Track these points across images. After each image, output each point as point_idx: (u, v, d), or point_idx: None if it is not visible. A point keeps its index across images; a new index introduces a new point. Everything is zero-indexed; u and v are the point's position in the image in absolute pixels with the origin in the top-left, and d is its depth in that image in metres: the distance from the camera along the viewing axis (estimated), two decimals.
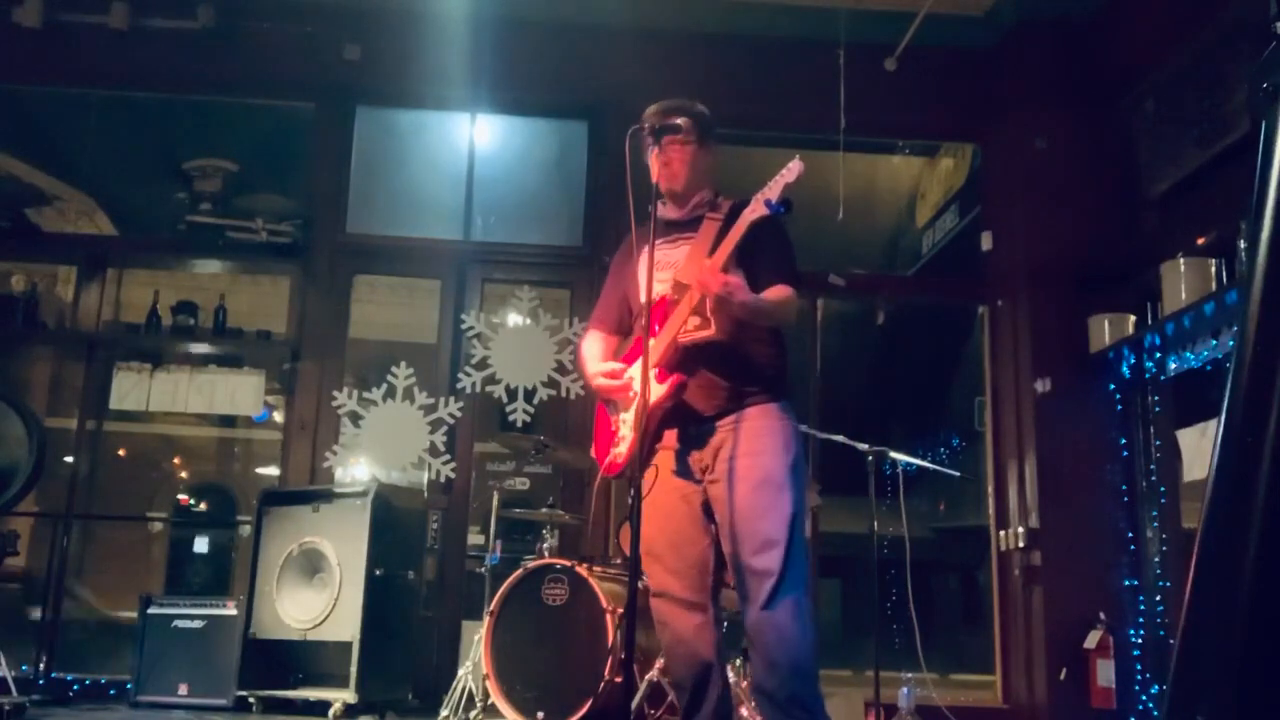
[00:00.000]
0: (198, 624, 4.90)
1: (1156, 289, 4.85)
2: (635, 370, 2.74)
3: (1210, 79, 4.79)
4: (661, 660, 3.89)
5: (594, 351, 2.95)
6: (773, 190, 2.55)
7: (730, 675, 3.29)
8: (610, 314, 3.01)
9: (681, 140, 2.80)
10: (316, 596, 4.65)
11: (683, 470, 2.73)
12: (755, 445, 2.64)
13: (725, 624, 2.96)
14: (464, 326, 5.83)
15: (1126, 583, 5.20)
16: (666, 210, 2.91)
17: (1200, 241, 4.75)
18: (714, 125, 2.90)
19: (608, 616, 3.87)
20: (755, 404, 2.69)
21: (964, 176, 6.64)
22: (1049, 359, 5.47)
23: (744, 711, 3.81)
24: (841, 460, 4.64)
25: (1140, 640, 5.09)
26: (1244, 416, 1.23)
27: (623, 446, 2.75)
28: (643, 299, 2.75)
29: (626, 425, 2.75)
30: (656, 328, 2.71)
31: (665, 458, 2.76)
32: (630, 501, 2.45)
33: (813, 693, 2.57)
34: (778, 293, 2.65)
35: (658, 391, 2.66)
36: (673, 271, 2.76)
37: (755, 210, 2.56)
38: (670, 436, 2.75)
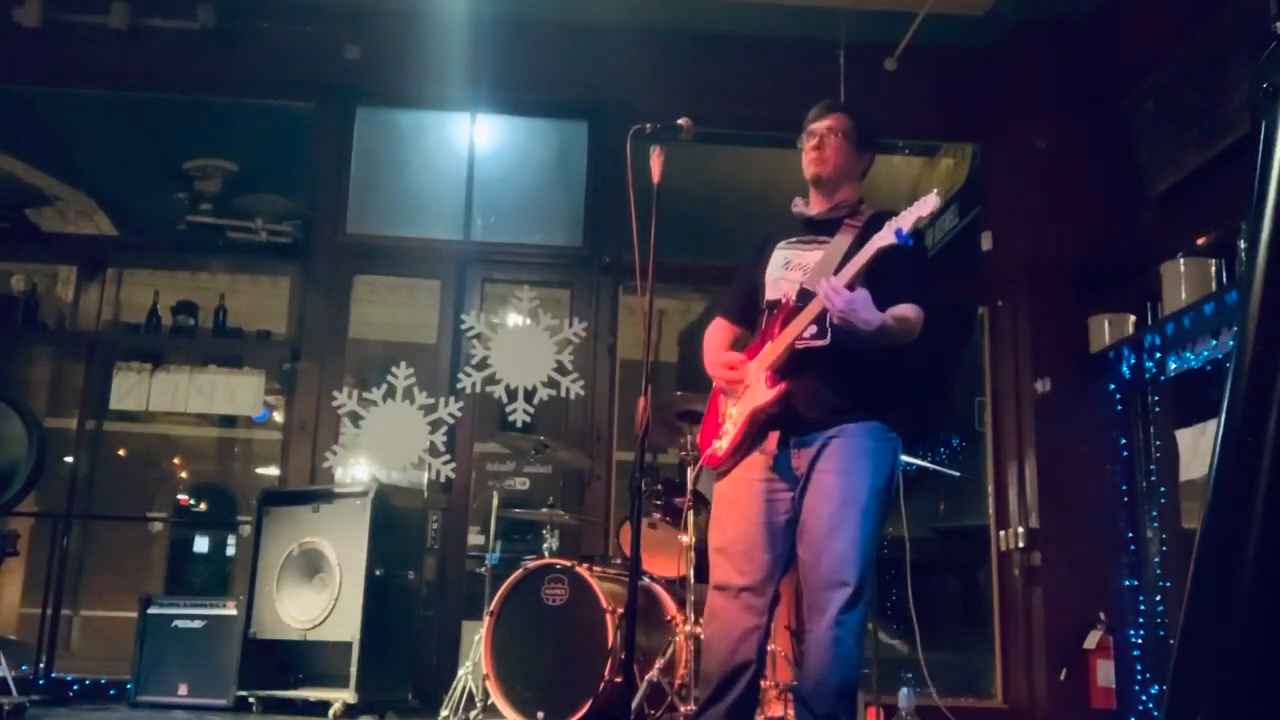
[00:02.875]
0: (198, 624, 4.90)
1: (1156, 289, 4.85)
2: (752, 366, 2.79)
3: (1210, 79, 4.79)
4: (662, 660, 3.89)
5: (716, 340, 3.00)
6: (905, 220, 2.56)
7: None
8: (736, 304, 3.03)
9: (841, 133, 2.87)
10: (316, 596, 4.65)
11: (779, 474, 2.75)
12: (848, 464, 2.66)
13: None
14: (464, 326, 5.82)
15: (1126, 583, 5.19)
16: (807, 206, 2.94)
17: (1200, 241, 4.75)
18: (873, 137, 2.96)
19: (608, 616, 3.87)
20: (857, 420, 2.69)
21: (964, 176, 6.64)
22: (1049, 359, 5.47)
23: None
24: None
25: (1140, 640, 5.09)
26: (1244, 416, 1.23)
27: (724, 441, 2.79)
28: (769, 296, 2.84)
29: (732, 421, 2.78)
30: (776, 330, 2.76)
31: (762, 459, 2.77)
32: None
33: (850, 709, 2.61)
34: (901, 312, 2.65)
35: (764, 396, 2.71)
36: (801, 275, 2.78)
37: (885, 238, 2.58)
38: (772, 439, 2.76)
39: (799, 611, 3.23)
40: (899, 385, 2.82)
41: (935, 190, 2.62)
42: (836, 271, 2.67)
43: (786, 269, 2.84)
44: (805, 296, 2.71)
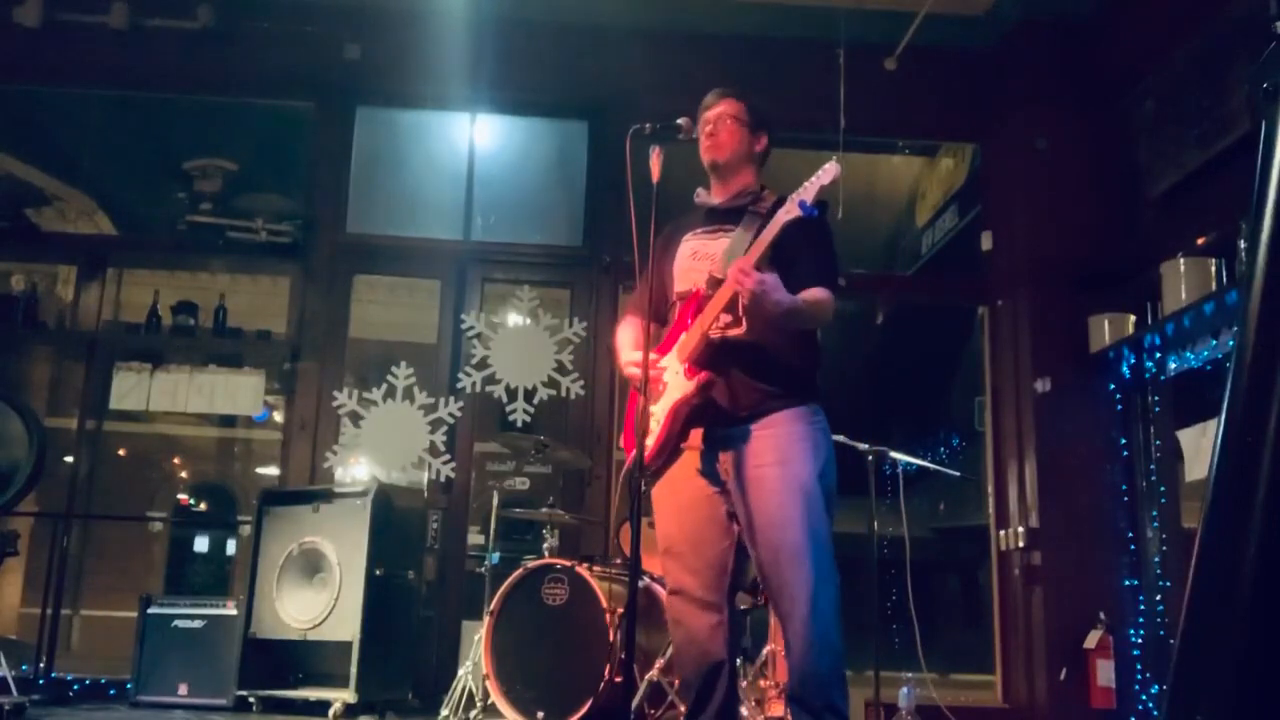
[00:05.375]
0: (198, 624, 4.90)
1: (1156, 289, 4.85)
2: (668, 361, 2.73)
3: (1210, 79, 4.79)
4: (662, 660, 3.89)
5: (628, 339, 2.92)
6: (807, 192, 2.53)
7: None
8: (647, 301, 2.96)
9: (733, 117, 2.84)
10: (316, 596, 4.65)
11: (708, 471, 2.71)
12: (785, 454, 2.61)
13: (740, 626, 2.95)
14: (464, 326, 5.83)
15: (1126, 583, 5.20)
16: (709, 195, 2.92)
17: (1200, 241, 4.75)
18: (768, 119, 2.93)
19: (608, 616, 3.87)
20: (785, 408, 2.66)
21: (964, 176, 6.64)
22: (1049, 359, 5.47)
23: (744, 711, 3.81)
24: (841, 460, 4.59)
25: (1140, 640, 5.09)
26: (1244, 416, 1.23)
27: (650, 440, 2.72)
28: (679, 288, 2.79)
29: (655, 419, 2.73)
30: (689, 321, 2.71)
31: (691, 457, 2.74)
32: (633, 498, 2.45)
33: (843, 696, 2.58)
34: (814, 295, 2.62)
35: (685, 388, 2.66)
36: (710, 264, 2.74)
37: (789, 212, 2.53)
38: (696, 436, 2.72)
39: None
40: (818, 366, 2.79)
41: (835, 160, 2.56)
42: (745, 252, 2.62)
43: (694, 259, 2.80)
44: (716, 284, 2.66)
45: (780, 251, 2.58)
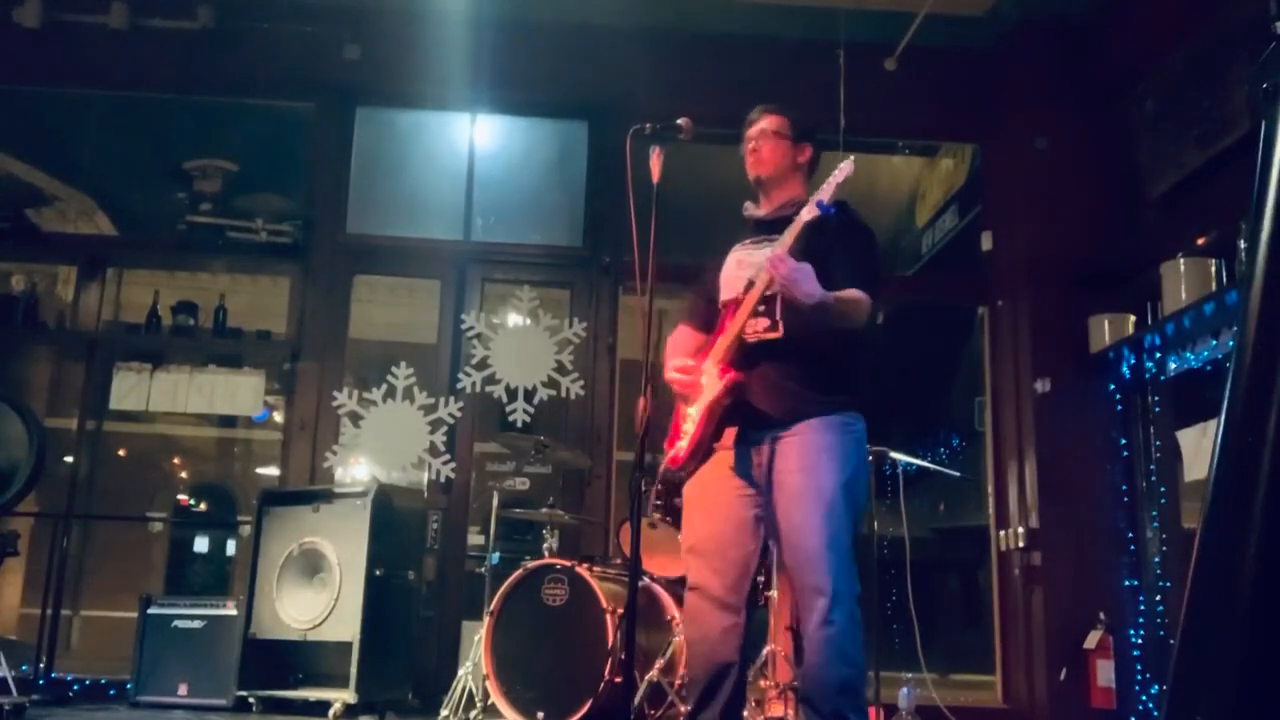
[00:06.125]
0: (198, 624, 4.90)
1: (1156, 289, 4.85)
2: (706, 364, 2.78)
3: (1210, 79, 4.79)
4: (662, 660, 3.89)
5: (678, 346, 2.99)
6: (825, 191, 2.59)
7: None
8: (698, 310, 3.03)
9: (774, 132, 2.91)
10: (316, 596, 4.65)
11: (741, 472, 2.74)
12: (809, 461, 2.64)
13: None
14: (464, 326, 5.83)
15: (1126, 583, 5.20)
16: (756, 208, 2.97)
17: (1200, 241, 4.75)
18: (810, 129, 3.00)
19: (608, 616, 3.87)
20: (818, 415, 2.68)
21: (964, 176, 6.64)
22: (1049, 359, 5.47)
23: (744, 711, 3.80)
24: None
25: (1140, 640, 5.09)
26: (1244, 416, 1.23)
27: (685, 441, 2.78)
28: (723, 297, 2.85)
29: (690, 421, 2.77)
30: (728, 324, 2.76)
31: (725, 457, 2.77)
32: (628, 500, 2.46)
33: (856, 708, 2.59)
34: (848, 293, 2.64)
35: (715, 388, 2.70)
36: (752, 272, 2.77)
37: (810, 212, 2.59)
38: (730, 436, 2.75)
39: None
40: (861, 373, 2.82)
41: (852, 158, 2.66)
42: None
43: (738, 268, 2.85)
44: (752, 287, 2.71)
45: (813, 252, 2.61)
